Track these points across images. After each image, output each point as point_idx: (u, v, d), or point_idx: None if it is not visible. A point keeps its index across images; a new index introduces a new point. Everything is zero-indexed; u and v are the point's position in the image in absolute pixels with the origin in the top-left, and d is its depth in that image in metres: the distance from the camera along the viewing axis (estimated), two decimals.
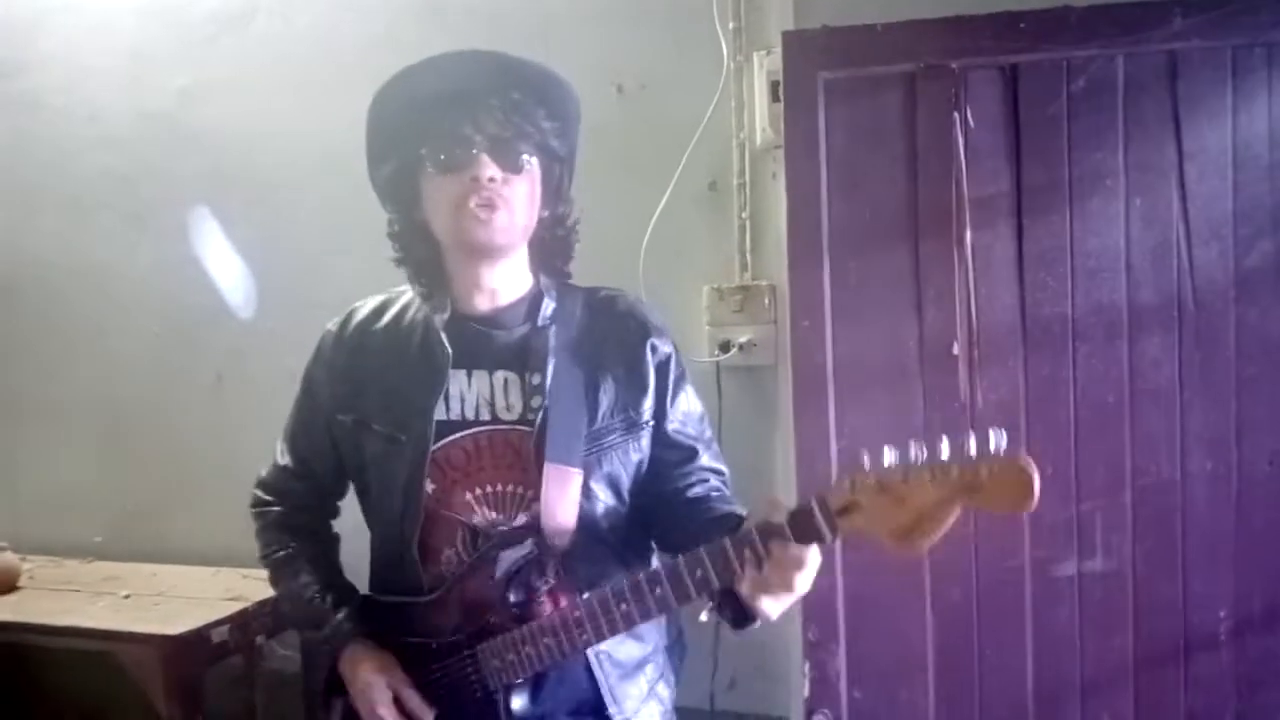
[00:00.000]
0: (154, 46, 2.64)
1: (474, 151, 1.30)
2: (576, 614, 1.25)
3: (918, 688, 2.01)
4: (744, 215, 2.25)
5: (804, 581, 1.15)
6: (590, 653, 1.33)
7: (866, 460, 1.09)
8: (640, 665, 1.41)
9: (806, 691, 2.03)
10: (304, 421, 1.51)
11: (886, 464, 1.08)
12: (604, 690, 1.35)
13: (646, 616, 1.23)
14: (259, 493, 1.55)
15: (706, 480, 1.43)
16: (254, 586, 2.36)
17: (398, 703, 1.34)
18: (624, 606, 1.22)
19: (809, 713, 2.03)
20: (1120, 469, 1.93)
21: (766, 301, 2.23)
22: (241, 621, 2.26)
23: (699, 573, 1.18)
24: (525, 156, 1.34)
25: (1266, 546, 1.90)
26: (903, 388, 1.97)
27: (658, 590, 1.20)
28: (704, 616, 1.96)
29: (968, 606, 1.98)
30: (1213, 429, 1.90)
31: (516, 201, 1.33)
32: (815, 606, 1.99)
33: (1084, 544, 1.94)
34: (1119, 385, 1.91)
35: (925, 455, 1.06)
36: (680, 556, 1.20)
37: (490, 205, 1.30)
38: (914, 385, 1.96)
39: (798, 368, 2.01)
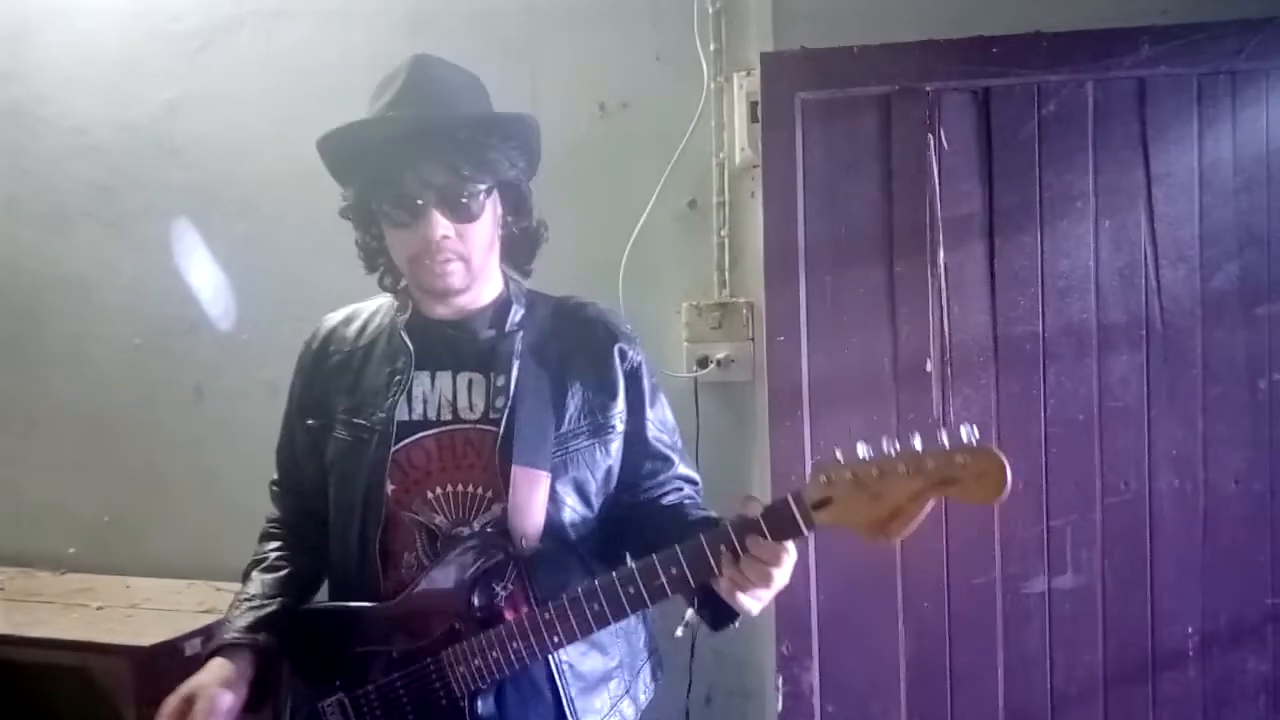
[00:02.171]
0: (139, 59, 2.65)
1: (421, 204, 1.29)
2: (547, 616, 1.24)
3: (890, 703, 2.02)
4: (723, 233, 2.27)
5: (782, 576, 1.16)
6: (554, 664, 1.32)
7: (840, 454, 1.11)
8: (604, 679, 1.39)
9: (780, 706, 2.03)
10: (285, 433, 1.52)
11: (859, 457, 1.09)
12: (564, 702, 1.34)
13: (620, 615, 1.22)
14: (271, 505, 1.56)
15: (681, 489, 1.45)
16: (227, 599, 2.31)
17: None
18: (596, 605, 1.21)
19: None
20: (1090, 486, 1.95)
21: (744, 319, 2.25)
22: (214, 635, 2.24)
23: (674, 570, 1.18)
24: (480, 199, 1.32)
25: (1233, 564, 1.93)
26: (877, 404, 1.99)
27: (631, 589, 1.20)
28: (679, 632, 1.98)
29: (940, 622, 1.99)
30: (1180, 447, 1.94)
31: (474, 247, 1.34)
32: (789, 621, 2.00)
33: (1054, 560, 1.96)
34: (1088, 403, 1.95)
35: (898, 449, 1.08)
36: (655, 555, 1.20)
37: (446, 260, 1.31)
38: (888, 402, 1.99)
39: (773, 383, 2.03)
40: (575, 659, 1.35)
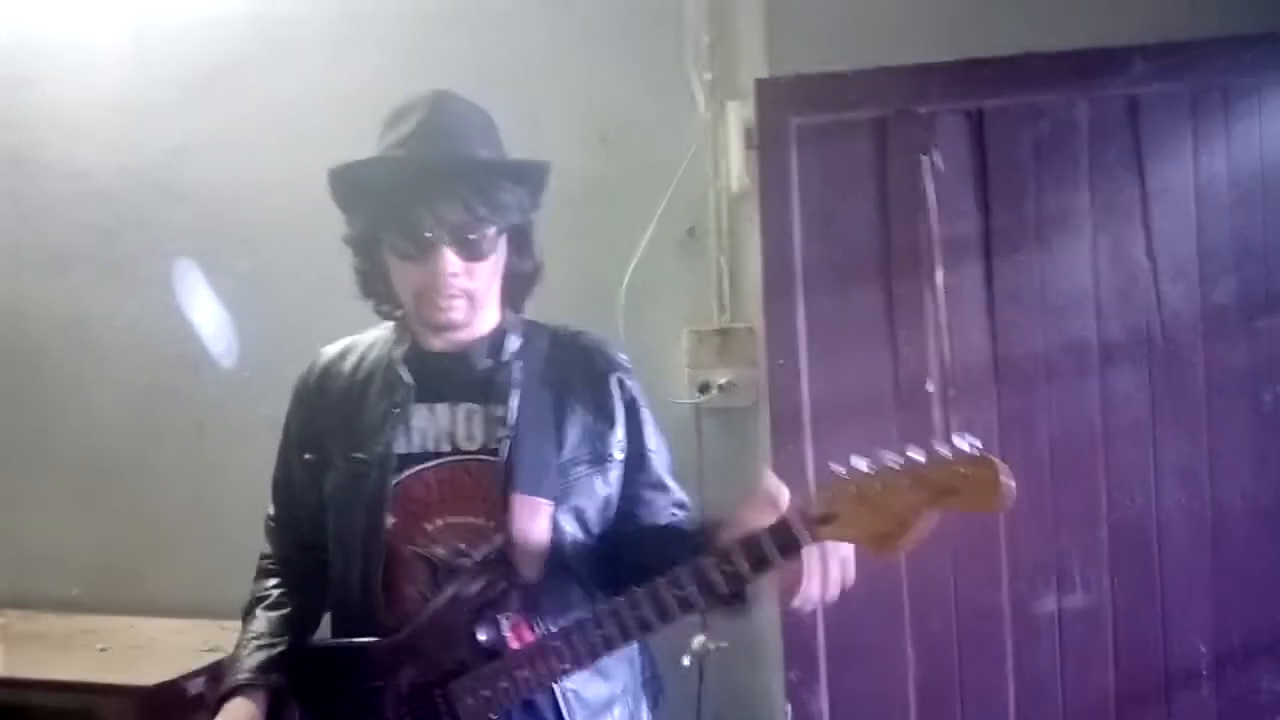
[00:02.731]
0: (140, 103, 2.67)
1: (432, 239, 1.29)
2: (555, 643, 1.23)
3: None
4: (722, 259, 2.28)
5: (835, 568, 1.15)
6: (558, 691, 1.31)
7: (842, 470, 1.11)
8: (608, 705, 1.38)
9: None
10: (281, 468, 1.51)
11: (862, 471, 1.10)
12: None
13: (628, 640, 1.22)
14: (264, 541, 1.55)
15: (675, 515, 1.45)
16: (231, 638, 2.29)
17: None
18: (602, 631, 1.21)
19: None
20: (1096, 504, 1.94)
21: (745, 343, 2.25)
22: (219, 673, 2.22)
23: (679, 593, 1.18)
24: (490, 239, 1.33)
25: (1243, 580, 1.92)
26: (878, 425, 1.98)
27: (638, 612, 1.19)
28: (686, 661, 1.96)
29: (948, 644, 1.97)
30: (1186, 462, 1.93)
31: (479, 285, 1.34)
32: (796, 647, 1.98)
33: (1063, 580, 1.95)
34: (1091, 421, 1.94)
35: (900, 462, 1.08)
36: (659, 578, 1.19)
37: (453, 296, 1.32)
38: (889, 422, 1.98)
39: (774, 406, 2.03)
40: (580, 685, 1.34)
